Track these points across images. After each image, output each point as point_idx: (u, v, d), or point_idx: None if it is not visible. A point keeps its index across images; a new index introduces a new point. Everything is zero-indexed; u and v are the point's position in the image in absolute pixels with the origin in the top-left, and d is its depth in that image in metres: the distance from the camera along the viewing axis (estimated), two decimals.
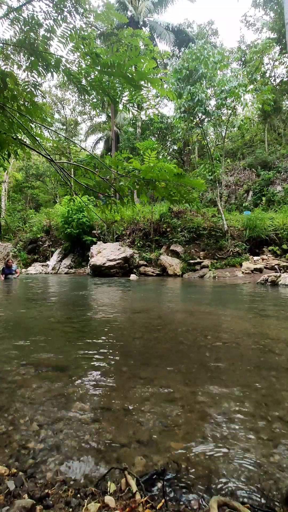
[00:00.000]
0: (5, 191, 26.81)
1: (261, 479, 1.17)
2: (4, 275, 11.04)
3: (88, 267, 13.51)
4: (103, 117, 28.68)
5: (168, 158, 22.68)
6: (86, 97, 3.21)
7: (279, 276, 8.46)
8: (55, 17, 2.72)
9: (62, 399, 1.80)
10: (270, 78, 21.92)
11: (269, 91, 12.46)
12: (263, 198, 17.48)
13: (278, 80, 22.20)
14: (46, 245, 18.48)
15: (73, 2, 2.70)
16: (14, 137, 3.08)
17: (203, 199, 18.70)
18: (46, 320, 4.15)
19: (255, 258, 12.32)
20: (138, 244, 14.28)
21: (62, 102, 28.37)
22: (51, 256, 17.37)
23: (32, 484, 1.14)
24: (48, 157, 3.38)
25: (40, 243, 18.77)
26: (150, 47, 13.57)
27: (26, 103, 3.17)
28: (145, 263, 13.14)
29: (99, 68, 2.76)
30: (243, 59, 14.79)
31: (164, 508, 1.03)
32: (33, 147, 3.33)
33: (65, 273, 15.22)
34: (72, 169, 7.02)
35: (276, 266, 10.94)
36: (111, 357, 2.57)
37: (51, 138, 15.37)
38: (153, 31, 22.64)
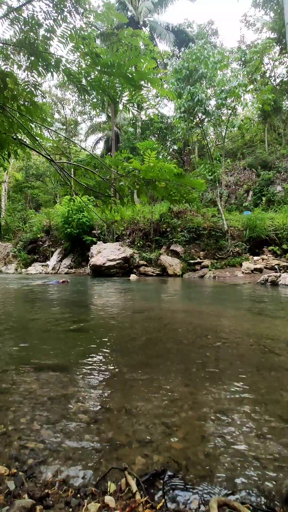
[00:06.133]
0: (5, 191, 26.81)
1: (261, 479, 1.17)
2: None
3: (88, 267, 13.52)
4: (103, 117, 28.66)
5: (168, 158, 22.67)
6: (86, 97, 3.20)
7: (279, 276, 8.45)
8: (55, 17, 2.71)
9: (63, 399, 1.80)
10: (270, 78, 21.92)
11: (269, 91, 12.46)
12: (263, 198, 17.48)
13: (278, 80, 22.20)
14: (46, 245, 18.48)
15: (73, 2, 2.69)
16: (14, 137, 3.08)
17: (203, 199, 18.70)
18: (46, 320, 4.15)
19: (255, 258, 12.32)
20: (138, 244, 14.28)
21: (62, 102, 28.37)
22: (51, 256, 17.37)
23: (32, 484, 1.14)
24: (48, 157, 3.38)
25: (40, 243, 18.77)
26: (150, 47, 13.57)
27: (26, 103, 3.17)
28: (145, 263, 13.14)
29: (99, 68, 2.76)
30: (243, 59, 14.76)
31: (164, 508, 1.02)
32: (33, 147, 3.33)
33: (65, 273, 15.22)
34: (72, 169, 7.02)
35: (276, 266, 10.94)
36: (111, 357, 2.57)
37: (51, 138, 15.36)
38: (153, 31, 22.63)
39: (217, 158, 14.02)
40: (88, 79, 2.92)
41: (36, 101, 3.23)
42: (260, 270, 10.76)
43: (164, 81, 12.66)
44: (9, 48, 2.98)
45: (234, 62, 16.27)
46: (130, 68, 2.63)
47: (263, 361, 2.43)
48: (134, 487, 1.09)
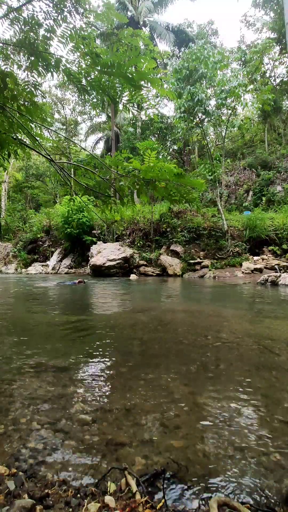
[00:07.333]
0: (5, 191, 26.80)
1: (261, 479, 1.17)
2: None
3: (88, 267, 13.51)
4: (103, 117, 28.63)
5: (168, 158, 22.65)
6: (86, 97, 3.20)
7: (279, 276, 8.45)
8: (55, 17, 2.71)
9: (63, 399, 1.80)
10: (270, 78, 21.92)
11: (269, 91, 12.45)
12: (263, 198, 17.48)
13: (278, 80, 22.20)
14: (46, 245, 18.47)
15: (73, 2, 2.69)
16: (14, 137, 3.08)
17: (203, 199, 18.70)
18: (47, 320, 4.15)
19: (255, 258, 12.32)
20: (138, 244, 14.27)
21: (62, 102, 28.35)
22: (51, 256, 17.36)
23: (32, 484, 1.14)
24: (48, 157, 3.38)
25: (40, 243, 18.75)
26: (150, 47, 13.56)
27: (26, 103, 3.17)
28: (145, 263, 13.13)
29: (99, 68, 2.76)
30: (243, 59, 14.76)
31: (164, 508, 1.02)
32: (33, 147, 3.33)
33: (65, 273, 15.21)
34: (72, 169, 7.02)
35: (276, 266, 10.94)
36: (111, 357, 2.57)
37: (51, 138, 15.36)
38: (153, 31, 22.61)
39: (217, 158, 14.01)
40: (88, 79, 2.91)
41: (36, 101, 3.23)
42: (260, 270, 10.76)
43: (164, 81, 12.66)
44: (9, 48, 2.98)
45: (234, 62, 16.27)
46: (130, 68, 2.63)
47: (263, 361, 2.43)
48: (134, 487, 1.09)
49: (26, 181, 29.88)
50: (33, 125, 3.36)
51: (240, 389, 1.91)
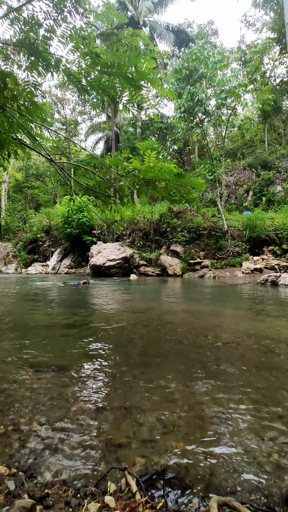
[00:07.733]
0: (5, 191, 26.80)
1: (261, 479, 1.17)
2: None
3: (88, 267, 13.52)
4: (103, 117, 28.64)
5: (168, 158, 22.65)
6: (86, 97, 3.20)
7: (279, 276, 8.45)
8: (55, 17, 2.71)
9: (63, 399, 1.80)
10: (270, 78, 21.93)
11: (269, 91, 12.46)
12: (263, 198, 17.49)
13: (278, 80, 22.21)
14: (46, 245, 18.48)
15: (73, 2, 2.69)
16: (14, 137, 3.09)
17: (203, 199, 18.70)
18: (47, 320, 4.15)
19: (255, 258, 12.32)
20: (138, 244, 14.28)
21: (62, 102, 28.36)
22: (51, 256, 17.37)
23: (32, 484, 1.14)
24: (48, 157, 3.38)
25: (40, 243, 18.76)
26: (150, 47, 13.58)
27: (26, 103, 3.17)
28: (145, 263, 13.14)
29: (99, 68, 2.76)
30: (243, 59, 14.77)
31: (164, 508, 1.02)
32: (33, 147, 3.34)
33: (65, 273, 15.22)
34: (72, 169, 7.03)
35: (276, 266, 10.95)
36: (112, 357, 2.57)
37: (51, 138, 15.36)
38: (153, 31, 22.62)
39: (217, 158, 14.02)
40: (88, 79, 2.92)
41: (36, 101, 3.23)
42: (260, 270, 10.77)
43: (164, 81, 12.66)
44: (9, 48, 2.98)
45: (234, 62, 16.28)
46: (130, 68, 2.63)
47: (263, 361, 2.43)
48: (134, 487, 1.09)
49: (26, 181, 29.89)
50: (33, 125, 3.36)
51: (241, 389, 1.91)
